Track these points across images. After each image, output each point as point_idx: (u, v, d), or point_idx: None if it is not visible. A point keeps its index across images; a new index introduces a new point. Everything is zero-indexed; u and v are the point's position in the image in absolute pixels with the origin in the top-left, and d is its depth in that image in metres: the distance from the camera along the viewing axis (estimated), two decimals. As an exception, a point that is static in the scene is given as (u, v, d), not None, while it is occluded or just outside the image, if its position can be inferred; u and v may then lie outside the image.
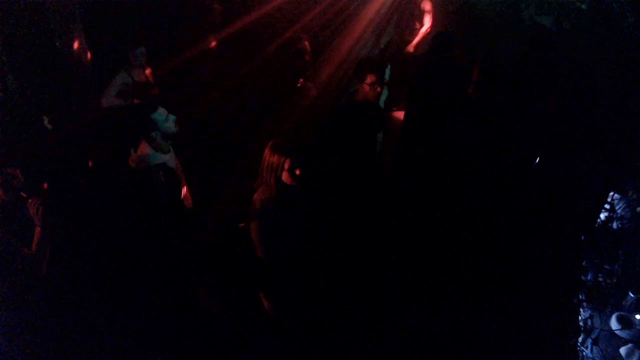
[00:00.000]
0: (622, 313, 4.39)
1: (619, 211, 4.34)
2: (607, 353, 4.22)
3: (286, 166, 3.38)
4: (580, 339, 4.30)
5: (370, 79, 4.59)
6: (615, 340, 4.29)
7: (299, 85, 5.24)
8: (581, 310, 4.39)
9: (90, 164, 4.70)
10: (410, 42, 6.26)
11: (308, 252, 3.58)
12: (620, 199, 4.33)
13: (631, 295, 4.43)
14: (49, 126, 5.29)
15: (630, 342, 4.23)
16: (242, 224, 3.68)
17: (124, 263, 3.50)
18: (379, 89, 4.63)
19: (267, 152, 3.52)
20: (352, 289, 3.63)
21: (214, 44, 6.17)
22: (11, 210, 4.04)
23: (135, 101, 5.23)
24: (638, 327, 4.30)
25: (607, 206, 4.36)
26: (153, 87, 5.15)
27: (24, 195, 4.03)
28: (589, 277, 4.50)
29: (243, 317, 3.23)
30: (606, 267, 4.49)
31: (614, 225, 4.34)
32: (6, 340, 3.34)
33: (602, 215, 4.44)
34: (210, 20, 6.15)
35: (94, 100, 5.53)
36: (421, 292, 3.73)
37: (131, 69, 5.54)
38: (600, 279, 4.49)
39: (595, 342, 4.26)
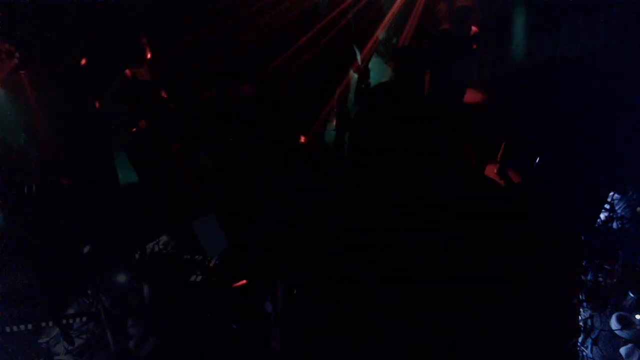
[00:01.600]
0: (622, 313, 4.39)
1: (619, 211, 4.33)
2: (607, 353, 4.22)
3: None
4: (580, 339, 4.29)
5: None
6: (615, 340, 4.29)
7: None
8: (581, 310, 4.38)
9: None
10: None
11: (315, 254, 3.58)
12: (620, 199, 4.32)
13: (631, 295, 4.43)
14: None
15: (630, 342, 4.23)
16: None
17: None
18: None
19: None
20: (355, 292, 3.62)
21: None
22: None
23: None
24: (638, 327, 4.30)
25: (607, 206, 4.36)
26: (157, 87, 5.10)
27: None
28: (589, 277, 4.50)
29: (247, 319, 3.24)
30: (606, 267, 4.49)
31: (614, 225, 4.33)
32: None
33: (602, 215, 4.43)
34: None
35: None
36: (422, 292, 3.73)
37: (131, 68, 5.47)
38: (600, 279, 4.49)
39: (595, 342, 4.25)
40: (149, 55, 5.52)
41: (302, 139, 4.92)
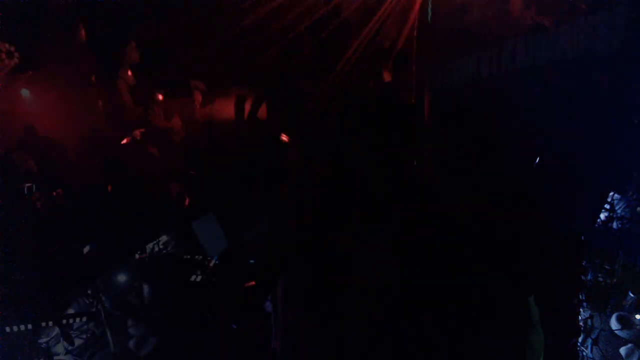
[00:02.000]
0: (622, 313, 4.39)
1: (619, 211, 4.33)
2: (607, 353, 4.22)
3: None
4: (580, 339, 4.29)
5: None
6: (615, 340, 4.30)
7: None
8: (581, 310, 4.38)
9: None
10: None
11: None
12: (620, 199, 4.32)
13: (631, 295, 4.43)
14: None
15: (630, 342, 4.23)
16: None
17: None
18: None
19: None
20: (356, 291, 3.61)
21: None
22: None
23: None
24: (638, 327, 4.30)
25: (607, 206, 4.36)
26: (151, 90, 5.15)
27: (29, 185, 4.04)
28: (589, 277, 4.50)
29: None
30: (606, 267, 4.49)
31: (614, 225, 4.33)
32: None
33: (602, 215, 4.43)
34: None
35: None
36: (422, 292, 3.71)
37: (125, 69, 5.50)
38: (600, 279, 4.49)
39: (595, 342, 4.25)
40: (137, 59, 5.56)
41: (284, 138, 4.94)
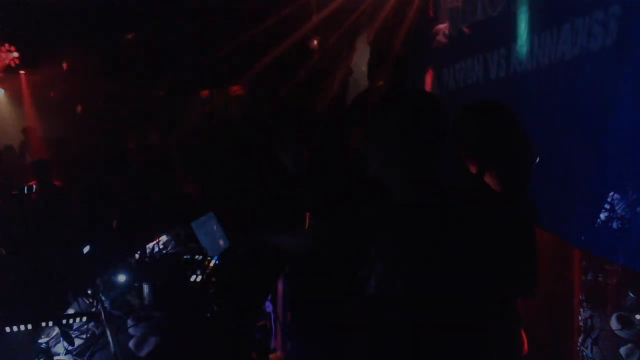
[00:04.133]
0: (622, 313, 4.39)
1: (619, 211, 4.32)
2: (607, 353, 4.22)
3: None
4: (580, 339, 4.29)
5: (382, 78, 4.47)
6: (615, 340, 4.29)
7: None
8: (581, 310, 4.38)
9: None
10: None
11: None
12: (620, 199, 4.31)
13: (631, 295, 4.42)
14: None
15: (630, 342, 4.23)
16: None
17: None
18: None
19: None
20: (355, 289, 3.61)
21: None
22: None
23: None
24: (638, 327, 4.30)
25: (607, 206, 4.35)
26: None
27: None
28: (589, 277, 4.49)
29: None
30: (606, 267, 4.48)
31: (614, 225, 4.32)
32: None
33: (602, 215, 4.42)
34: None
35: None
36: (428, 293, 3.70)
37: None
38: (600, 279, 4.48)
39: (595, 342, 4.25)
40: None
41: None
